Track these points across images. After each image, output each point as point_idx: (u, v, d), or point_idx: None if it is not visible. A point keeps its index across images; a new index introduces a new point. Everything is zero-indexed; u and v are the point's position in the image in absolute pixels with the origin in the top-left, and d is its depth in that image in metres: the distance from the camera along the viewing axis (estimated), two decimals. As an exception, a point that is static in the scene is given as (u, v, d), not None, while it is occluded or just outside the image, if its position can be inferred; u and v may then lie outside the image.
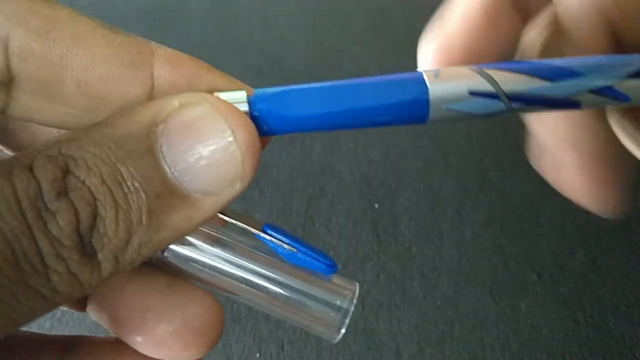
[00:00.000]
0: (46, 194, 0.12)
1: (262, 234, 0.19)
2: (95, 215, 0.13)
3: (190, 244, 0.18)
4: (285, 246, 0.19)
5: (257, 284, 0.19)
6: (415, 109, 0.19)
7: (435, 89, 0.18)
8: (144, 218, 0.13)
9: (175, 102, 0.14)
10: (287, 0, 0.59)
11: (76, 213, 0.13)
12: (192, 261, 0.18)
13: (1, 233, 0.12)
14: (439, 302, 0.42)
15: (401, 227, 0.45)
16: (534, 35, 0.20)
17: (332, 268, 0.19)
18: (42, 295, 0.12)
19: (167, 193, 0.14)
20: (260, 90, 0.17)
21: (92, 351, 0.18)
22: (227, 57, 0.54)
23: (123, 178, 0.13)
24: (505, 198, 0.47)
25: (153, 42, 0.15)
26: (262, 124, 0.17)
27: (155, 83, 0.15)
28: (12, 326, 0.13)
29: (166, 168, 0.14)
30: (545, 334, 0.41)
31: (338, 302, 0.19)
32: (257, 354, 0.40)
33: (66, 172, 0.13)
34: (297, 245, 0.19)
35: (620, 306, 0.42)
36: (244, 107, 0.16)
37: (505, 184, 0.47)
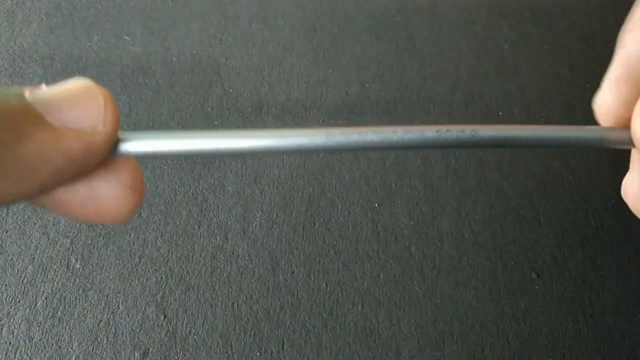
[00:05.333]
0: None
1: None
2: None
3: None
4: None
5: None
6: None
7: None
8: None
9: None
10: (287, 0, 0.59)
11: None
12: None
13: None
14: (438, 302, 0.42)
15: (401, 227, 0.45)
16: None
17: None
18: None
19: None
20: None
21: None
22: (227, 57, 0.54)
23: None
24: (505, 198, 0.47)
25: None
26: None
27: None
28: None
29: None
30: (545, 334, 0.41)
31: None
32: (258, 353, 0.40)
33: None
34: None
35: (620, 306, 0.42)
36: None
37: (505, 184, 0.47)
